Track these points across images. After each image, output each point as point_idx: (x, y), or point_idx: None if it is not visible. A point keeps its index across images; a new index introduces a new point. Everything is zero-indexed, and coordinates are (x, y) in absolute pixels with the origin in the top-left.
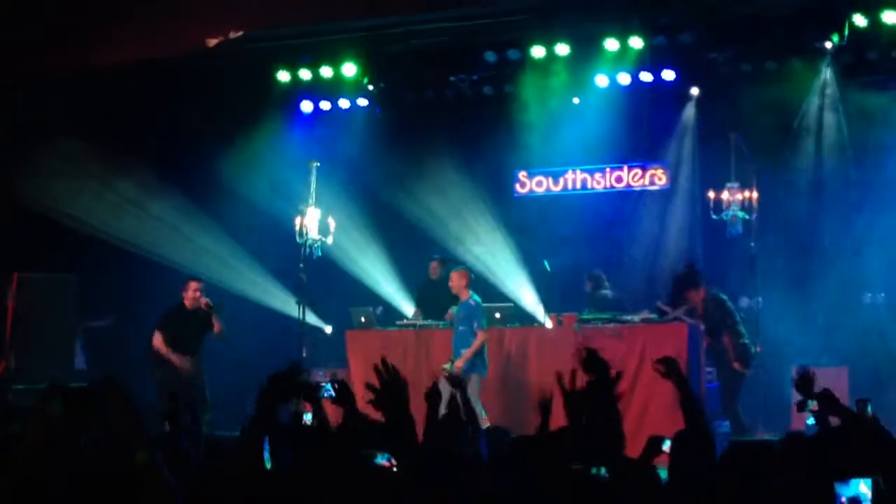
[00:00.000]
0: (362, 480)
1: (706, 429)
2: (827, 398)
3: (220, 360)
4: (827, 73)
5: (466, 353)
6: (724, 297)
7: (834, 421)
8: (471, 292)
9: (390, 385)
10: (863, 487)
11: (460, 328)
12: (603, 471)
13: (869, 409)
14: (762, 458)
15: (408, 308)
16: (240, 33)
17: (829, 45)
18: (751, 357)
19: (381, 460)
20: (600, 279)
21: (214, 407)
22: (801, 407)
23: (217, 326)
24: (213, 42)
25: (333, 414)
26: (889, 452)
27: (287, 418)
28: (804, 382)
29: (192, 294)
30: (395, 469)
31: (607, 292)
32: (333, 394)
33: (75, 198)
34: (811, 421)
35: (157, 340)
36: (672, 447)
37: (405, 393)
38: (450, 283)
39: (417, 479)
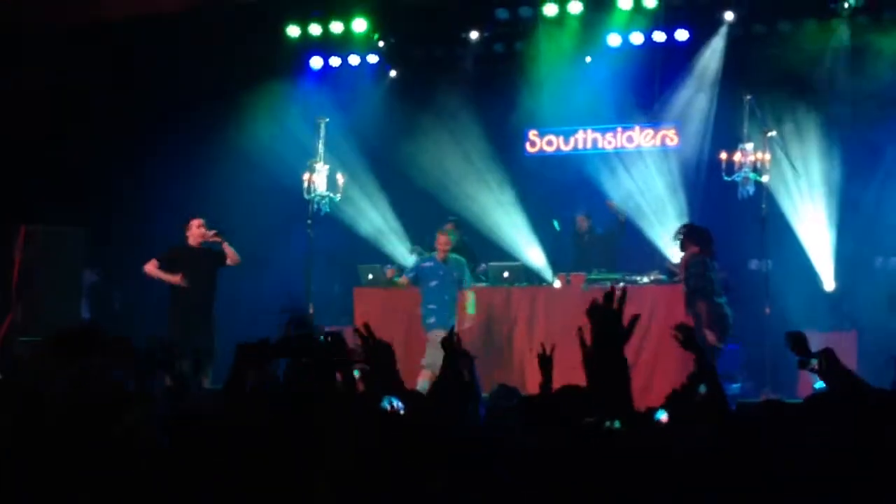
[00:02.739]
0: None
1: (723, 396)
2: (827, 358)
3: (228, 314)
4: (842, 34)
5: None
6: (712, 264)
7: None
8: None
9: (375, 349)
10: None
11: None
12: (617, 423)
13: None
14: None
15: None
16: None
17: (845, 5)
18: (726, 329)
19: (387, 404)
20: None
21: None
22: (803, 365)
23: (230, 254)
24: None
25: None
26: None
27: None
28: (797, 343)
29: (195, 231)
30: (400, 413)
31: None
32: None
33: (81, 151)
34: (819, 384)
35: (149, 265)
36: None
37: (390, 354)
38: (442, 246)
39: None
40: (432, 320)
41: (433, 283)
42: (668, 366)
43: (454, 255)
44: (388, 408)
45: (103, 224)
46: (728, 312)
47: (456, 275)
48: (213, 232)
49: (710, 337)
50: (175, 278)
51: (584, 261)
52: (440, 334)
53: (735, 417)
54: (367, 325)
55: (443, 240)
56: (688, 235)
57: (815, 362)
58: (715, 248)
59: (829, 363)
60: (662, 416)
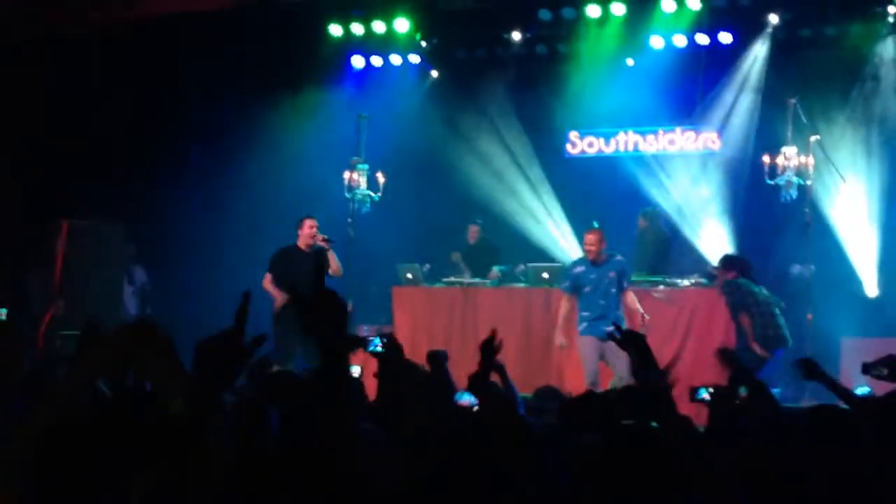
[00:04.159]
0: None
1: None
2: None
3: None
4: (888, 40)
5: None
6: (743, 282)
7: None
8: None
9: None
10: None
11: (612, 290)
12: (654, 424)
13: None
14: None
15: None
16: None
17: (891, 10)
18: (772, 340)
19: (463, 399)
20: (656, 216)
21: None
22: (867, 370)
23: (334, 264)
24: None
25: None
26: None
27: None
28: (808, 370)
29: (307, 231)
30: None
31: (664, 229)
32: (381, 348)
33: (124, 148)
34: (861, 390)
35: (266, 281)
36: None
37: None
38: (588, 247)
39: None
40: (583, 326)
41: (587, 289)
42: (708, 369)
43: (611, 254)
44: (464, 403)
45: (148, 221)
46: (777, 324)
47: (611, 276)
48: (323, 237)
49: (758, 349)
50: (279, 300)
51: (641, 260)
52: (587, 341)
53: (785, 420)
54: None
55: (589, 239)
56: (723, 265)
57: (878, 369)
58: (753, 274)
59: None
60: (705, 395)
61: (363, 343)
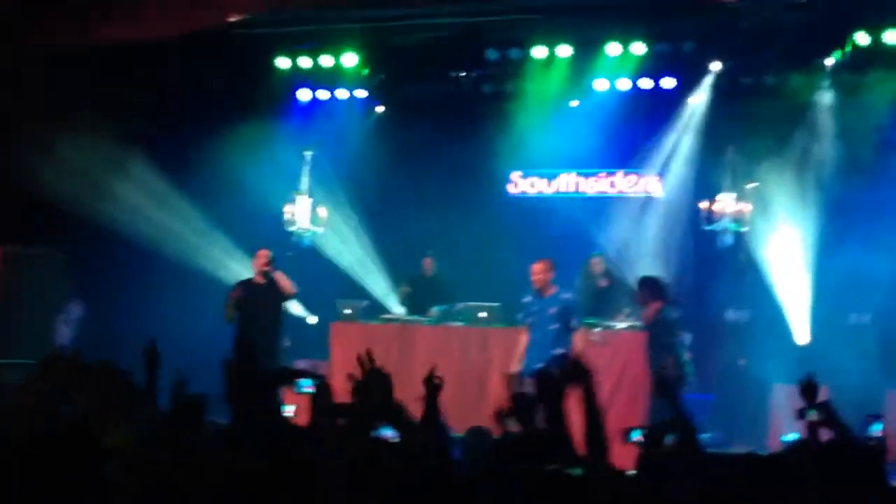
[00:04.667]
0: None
1: (697, 447)
2: (827, 410)
3: (201, 344)
4: (827, 90)
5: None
6: (675, 319)
7: (823, 436)
8: (555, 286)
9: (373, 375)
10: None
11: (552, 326)
12: (578, 471)
13: (875, 427)
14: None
15: (395, 304)
16: (241, 17)
17: (829, 62)
18: (686, 377)
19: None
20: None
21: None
22: (801, 415)
23: (285, 284)
24: (233, 18)
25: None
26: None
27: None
28: (807, 390)
29: (256, 262)
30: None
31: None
32: (312, 390)
33: (62, 176)
34: (789, 437)
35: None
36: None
37: (389, 382)
38: (533, 276)
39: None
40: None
41: (528, 321)
42: (643, 410)
43: (559, 290)
44: (380, 437)
45: (80, 249)
46: (686, 364)
47: (552, 311)
48: (264, 263)
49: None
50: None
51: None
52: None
53: (714, 469)
54: (368, 353)
55: (534, 268)
56: (647, 289)
57: (812, 413)
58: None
59: (828, 415)
60: (638, 436)
61: (292, 382)
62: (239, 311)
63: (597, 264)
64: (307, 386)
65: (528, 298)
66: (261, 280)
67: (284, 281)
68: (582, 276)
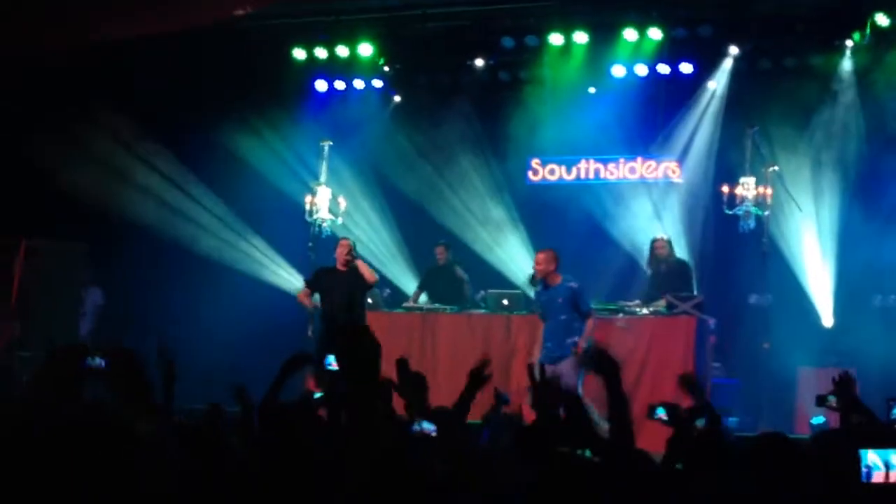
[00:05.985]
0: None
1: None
2: (850, 396)
3: (225, 336)
4: (846, 72)
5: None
6: None
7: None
8: (562, 274)
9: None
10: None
11: (562, 316)
12: (588, 453)
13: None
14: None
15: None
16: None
17: (849, 43)
18: None
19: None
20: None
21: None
22: (821, 401)
23: (367, 273)
24: (239, 12)
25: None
26: None
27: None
28: (843, 385)
29: (338, 251)
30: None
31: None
32: (335, 367)
33: (85, 168)
34: (817, 420)
35: (301, 294)
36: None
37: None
38: (536, 266)
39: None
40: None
41: (539, 312)
42: (666, 396)
43: (565, 279)
44: (419, 430)
45: (104, 241)
46: None
47: (560, 301)
48: (347, 253)
49: None
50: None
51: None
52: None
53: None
54: (404, 359)
55: (537, 258)
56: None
57: (832, 399)
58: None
59: (847, 401)
60: (662, 414)
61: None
62: (321, 297)
63: (661, 247)
64: (332, 363)
65: (538, 289)
66: (343, 268)
67: (366, 269)
68: (648, 259)
